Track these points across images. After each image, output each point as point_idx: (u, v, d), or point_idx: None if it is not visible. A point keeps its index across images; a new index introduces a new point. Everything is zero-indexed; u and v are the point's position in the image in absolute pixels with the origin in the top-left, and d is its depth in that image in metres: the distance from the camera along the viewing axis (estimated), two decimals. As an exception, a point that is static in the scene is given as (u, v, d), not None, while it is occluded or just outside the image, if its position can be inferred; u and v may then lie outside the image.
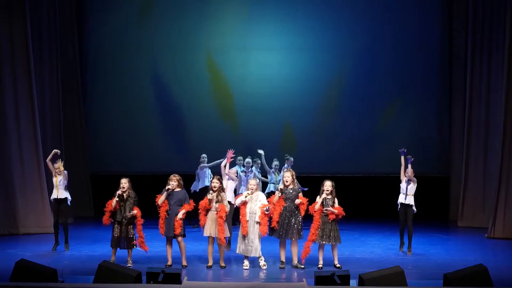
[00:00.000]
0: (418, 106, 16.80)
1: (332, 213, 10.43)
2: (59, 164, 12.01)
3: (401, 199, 11.89)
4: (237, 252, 10.57)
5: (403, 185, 11.92)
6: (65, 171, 12.06)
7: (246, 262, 10.49)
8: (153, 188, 14.37)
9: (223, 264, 10.53)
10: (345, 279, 8.70)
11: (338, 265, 10.47)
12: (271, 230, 10.48)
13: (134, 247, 10.59)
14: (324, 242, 10.43)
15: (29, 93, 13.96)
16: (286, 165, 13.65)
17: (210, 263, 10.50)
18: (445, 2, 16.60)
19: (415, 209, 11.87)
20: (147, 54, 16.86)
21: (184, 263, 10.51)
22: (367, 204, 15.03)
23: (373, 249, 12.24)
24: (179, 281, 8.71)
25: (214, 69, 16.94)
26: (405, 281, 8.68)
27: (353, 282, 8.92)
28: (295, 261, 10.53)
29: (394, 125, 16.80)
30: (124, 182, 10.61)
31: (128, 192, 10.60)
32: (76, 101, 16.40)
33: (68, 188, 12.16)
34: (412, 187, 11.88)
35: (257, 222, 10.34)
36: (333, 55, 16.82)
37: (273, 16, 16.71)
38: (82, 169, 16.27)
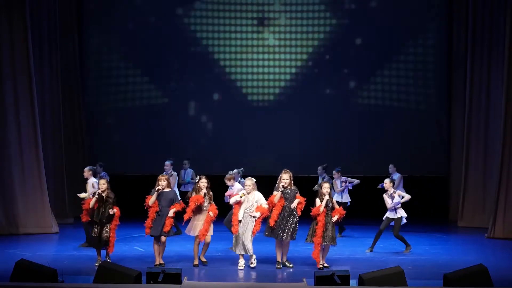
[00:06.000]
0: (418, 106, 16.81)
1: (340, 216, 10.51)
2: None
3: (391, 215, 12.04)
4: (236, 253, 10.54)
5: (389, 200, 12.04)
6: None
7: (241, 262, 10.48)
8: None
9: (204, 260, 10.68)
10: (345, 279, 8.70)
11: (325, 265, 10.51)
12: (269, 230, 10.48)
13: (108, 248, 10.60)
14: (326, 243, 10.45)
15: (29, 93, 13.95)
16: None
17: (196, 262, 10.57)
18: (444, 4, 16.60)
19: (404, 220, 12.07)
20: (148, 54, 16.87)
21: (161, 261, 10.54)
22: (368, 205, 15.00)
23: (373, 249, 12.22)
24: (179, 281, 8.71)
25: (215, 70, 16.99)
26: (405, 281, 8.68)
27: (353, 282, 8.92)
28: (284, 259, 10.58)
29: (395, 126, 16.80)
30: (103, 183, 10.63)
31: (107, 193, 10.60)
32: (76, 101, 16.42)
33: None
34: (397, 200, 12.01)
35: (253, 216, 10.33)
36: (333, 57, 16.84)
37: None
38: (82, 169, 16.21)
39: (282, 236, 10.42)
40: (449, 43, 16.55)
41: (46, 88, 15.08)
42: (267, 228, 10.52)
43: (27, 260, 9.18)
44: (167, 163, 13.86)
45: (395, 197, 11.89)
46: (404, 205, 15.46)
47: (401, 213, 11.99)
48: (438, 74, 16.79)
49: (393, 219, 11.96)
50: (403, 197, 11.95)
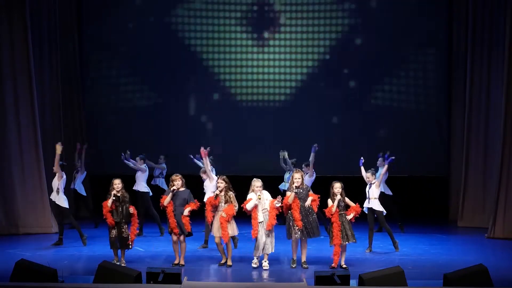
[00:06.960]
0: (418, 106, 16.80)
1: (356, 213, 10.56)
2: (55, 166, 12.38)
3: (365, 203, 12.09)
4: (255, 256, 10.48)
5: (367, 189, 12.12)
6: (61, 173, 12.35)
7: (255, 260, 10.47)
8: (153, 190, 14.35)
9: (230, 263, 10.57)
10: (345, 279, 8.71)
11: (344, 266, 10.47)
12: (296, 232, 10.42)
13: (130, 247, 10.59)
14: (345, 242, 10.46)
15: (29, 93, 13.94)
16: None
17: (224, 260, 10.61)
18: (444, 4, 16.60)
19: (384, 211, 12.09)
20: (148, 54, 16.87)
21: (182, 262, 10.53)
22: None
23: (373, 249, 12.23)
24: (179, 281, 8.72)
25: (215, 70, 16.99)
26: (405, 281, 8.68)
27: (353, 282, 8.93)
28: (304, 259, 10.56)
29: (395, 126, 16.79)
30: (118, 183, 10.59)
31: (122, 192, 10.59)
32: (76, 101, 16.43)
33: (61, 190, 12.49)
34: (373, 190, 12.03)
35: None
36: (333, 58, 16.84)
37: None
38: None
39: (311, 235, 10.44)
40: (449, 43, 16.55)
41: (46, 88, 15.07)
42: (291, 231, 10.45)
43: (27, 260, 9.19)
44: (140, 157, 13.98)
45: (373, 186, 12.00)
46: (405, 205, 15.55)
47: (374, 204, 11.99)
48: (438, 74, 16.78)
49: (374, 212, 11.99)
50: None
